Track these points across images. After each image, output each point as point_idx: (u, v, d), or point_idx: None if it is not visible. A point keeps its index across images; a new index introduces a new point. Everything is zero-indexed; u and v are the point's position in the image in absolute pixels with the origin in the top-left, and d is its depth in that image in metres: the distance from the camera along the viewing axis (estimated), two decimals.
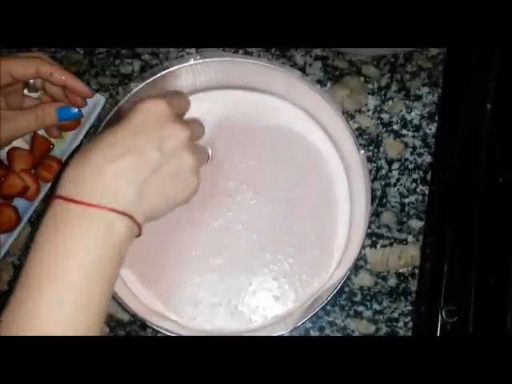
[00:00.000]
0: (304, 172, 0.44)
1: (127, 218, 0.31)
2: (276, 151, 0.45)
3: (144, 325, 0.41)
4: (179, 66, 0.42)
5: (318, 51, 0.51)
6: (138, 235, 0.33)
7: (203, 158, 0.40)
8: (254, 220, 0.43)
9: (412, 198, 0.48)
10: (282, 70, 0.42)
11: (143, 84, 0.41)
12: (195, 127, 0.39)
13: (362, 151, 0.40)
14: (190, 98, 0.45)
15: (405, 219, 0.47)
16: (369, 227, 0.46)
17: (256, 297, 0.42)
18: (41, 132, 0.45)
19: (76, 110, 0.40)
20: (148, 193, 0.33)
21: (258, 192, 0.44)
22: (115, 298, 0.38)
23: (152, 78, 0.41)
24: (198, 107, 0.45)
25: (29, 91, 0.42)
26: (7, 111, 0.38)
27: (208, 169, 0.44)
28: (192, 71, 0.43)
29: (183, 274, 0.42)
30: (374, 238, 0.47)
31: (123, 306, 0.39)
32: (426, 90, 0.50)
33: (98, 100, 0.46)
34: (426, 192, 0.48)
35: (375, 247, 0.47)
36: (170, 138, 0.34)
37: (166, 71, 0.41)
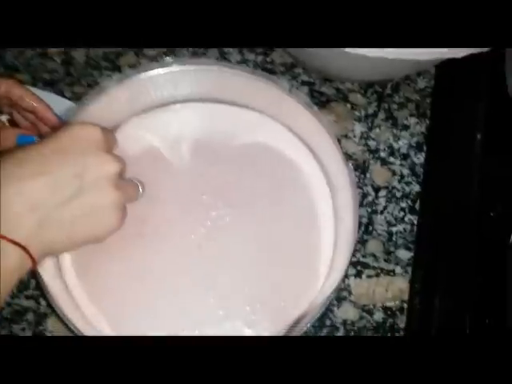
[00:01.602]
0: (285, 190, 0.41)
1: (19, 248, 0.27)
2: (256, 168, 0.42)
3: None
4: (157, 71, 0.40)
5: (304, 77, 0.50)
6: (33, 269, 0.29)
7: (131, 196, 0.35)
8: (228, 238, 0.39)
9: (400, 227, 0.45)
10: (270, 82, 0.40)
11: (114, 84, 0.39)
12: (129, 187, 0.35)
13: (351, 164, 0.37)
14: (169, 108, 0.43)
15: (392, 249, 0.44)
16: (354, 255, 0.42)
17: (226, 324, 0.37)
18: None
19: (36, 137, 0.37)
20: (53, 225, 0.29)
21: (234, 209, 0.40)
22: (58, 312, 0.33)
23: (126, 80, 0.39)
24: (177, 118, 0.43)
25: None
26: None
27: (183, 182, 0.41)
28: (171, 79, 0.41)
29: (140, 294, 0.37)
30: (359, 268, 0.43)
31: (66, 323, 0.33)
32: (413, 120, 0.49)
33: (69, 107, 0.43)
34: (415, 222, 0.45)
35: (360, 277, 0.43)
36: (95, 168, 0.30)
37: (142, 74, 0.39)
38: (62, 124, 0.36)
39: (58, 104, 0.42)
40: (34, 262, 0.28)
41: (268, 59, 0.50)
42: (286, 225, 0.40)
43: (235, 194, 0.41)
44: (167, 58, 0.43)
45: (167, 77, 0.41)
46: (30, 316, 0.40)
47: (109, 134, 0.34)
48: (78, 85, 0.48)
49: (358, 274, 0.43)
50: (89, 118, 0.38)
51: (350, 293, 0.42)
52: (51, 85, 0.48)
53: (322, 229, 0.40)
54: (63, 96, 0.46)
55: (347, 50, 0.35)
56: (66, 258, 0.38)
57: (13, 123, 0.41)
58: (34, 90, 0.41)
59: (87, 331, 0.34)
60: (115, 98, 0.40)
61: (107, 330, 0.36)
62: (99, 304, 0.37)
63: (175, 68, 0.40)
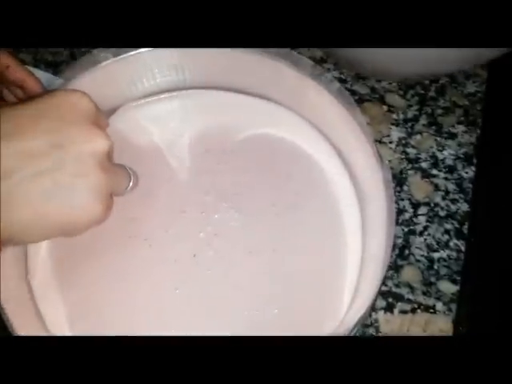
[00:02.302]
0: (304, 194, 0.34)
1: None
2: (271, 167, 0.35)
3: None
4: (162, 49, 0.34)
5: (335, 73, 0.43)
6: None
7: (120, 184, 0.29)
8: (231, 247, 0.32)
9: (443, 254, 0.36)
10: (292, 66, 0.34)
11: (111, 60, 0.33)
12: (119, 174, 0.29)
13: (389, 172, 0.30)
14: (174, 94, 0.37)
15: (433, 279, 0.36)
16: (384, 284, 0.34)
17: None
18: None
19: None
20: (22, 199, 0.23)
21: (241, 212, 0.33)
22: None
23: (125, 55, 0.33)
24: (182, 106, 0.37)
25: None
26: None
27: (184, 178, 0.34)
28: (178, 60, 0.35)
29: (118, 306, 0.30)
30: (390, 300, 0.35)
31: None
32: (461, 128, 0.41)
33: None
34: (462, 248, 0.37)
35: (391, 312, 0.35)
36: (80, 141, 0.25)
37: (142, 50, 0.34)
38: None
39: (49, 82, 0.36)
40: None
41: (294, 52, 0.44)
42: (302, 237, 0.33)
43: (244, 196, 0.34)
44: None
45: (173, 56, 0.35)
46: None
47: (100, 110, 0.28)
48: None
49: (389, 308, 0.35)
50: None
51: (377, 330, 0.34)
52: (54, 66, 0.44)
53: (346, 246, 0.33)
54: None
55: None
56: (42, 254, 0.31)
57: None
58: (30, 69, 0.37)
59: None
60: (112, 77, 0.35)
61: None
62: (70, 311, 0.30)
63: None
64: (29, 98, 0.27)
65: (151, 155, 0.35)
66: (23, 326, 0.27)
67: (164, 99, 0.37)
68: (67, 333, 0.29)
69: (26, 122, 0.24)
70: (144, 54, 0.34)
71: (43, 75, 0.37)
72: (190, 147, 0.36)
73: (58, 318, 0.30)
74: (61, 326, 0.30)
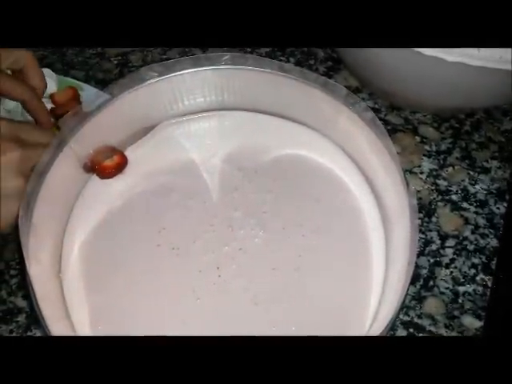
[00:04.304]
0: (331, 217, 0.35)
1: None
2: (300, 188, 0.36)
3: None
4: (204, 70, 0.36)
5: (369, 103, 0.44)
6: None
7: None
8: (253, 263, 0.33)
9: (469, 288, 0.36)
10: (328, 92, 0.35)
11: (155, 79, 0.35)
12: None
13: (414, 189, 0.30)
14: (211, 114, 0.39)
15: (457, 313, 0.35)
16: (406, 314, 0.34)
17: None
18: None
19: None
20: None
21: (267, 230, 0.34)
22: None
23: (169, 75, 0.36)
24: (218, 125, 0.39)
25: None
26: None
27: (212, 193, 0.36)
28: (219, 79, 0.37)
29: (142, 312, 0.31)
30: (411, 330, 0.34)
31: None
32: (495, 163, 0.41)
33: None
34: (489, 283, 0.36)
35: None
36: None
37: (185, 71, 0.36)
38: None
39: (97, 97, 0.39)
40: None
41: (330, 80, 0.45)
42: (326, 259, 0.33)
43: (271, 214, 0.35)
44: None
45: (214, 78, 0.37)
46: (21, 318, 0.35)
47: (25, 125, 0.32)
48: None
49: None
50: (119, 111, 0.35)
51: None
52: (103, 84, 0.47)
53: (370, 271, 0.33)
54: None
55: (423, 53, 0.29)
56: (74, 254, 0.33)
57: None
58: (72, 80, 0.40)
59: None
60: (155, 95, 0.37)
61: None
62: (94, 313, 0.31)
63: (224, 66, 0.36)
64: None
65: (186, 170, 0.37)
66: (53, 322, 0.29)
67: (202, 118, 0.39)
68: (88, 334, 0.31)
69: None
70: (187, 75, 0.36)
71: (92, 90, 0.40)
72: (223, 165, 0.37)
73: (83, 318, 0.31)
74: (83, 326, 0.31)
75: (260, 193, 0.36)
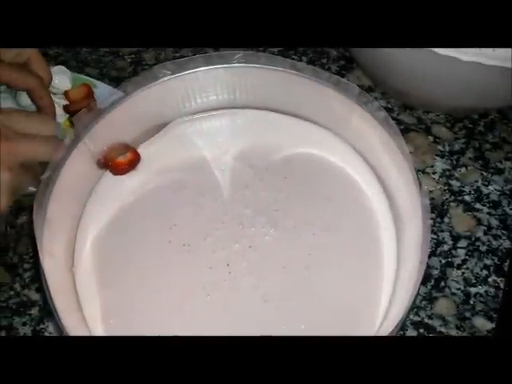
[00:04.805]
0: (342, 216, 0.35)
1: None
2: (311, 186, 0.36)
3: None
4: (217, 68, 0.36)
5: (382, 102, 0.44)
6: None
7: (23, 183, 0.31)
8: (263, 260, 0.33)
9: (481, 289, 0.36)
10: (341, 91, 0.35)
11: (168, 77, 0.36)
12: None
13: (426, 188, 0.30)
14: (223, 112, 0.39)
15: (468, 314, 0.35)
16: (417, 314, 0.34)
17: None
18: None
19: None
20: None
21: (277, 228, 0.34)
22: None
23: (182, 73, 0.36)
24: (230, 123, 0.39)
25: None
26: None
27: (224, 190, 0.36)
28: (229, 85, 0.37)
29: (154, 309, 0.32)
30: (421, 330, 0.34)
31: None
32: (509, 164, 0.41)
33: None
34: (501, 285, 0.36)
35: None
36: None
37: (198, 69, 0.36)
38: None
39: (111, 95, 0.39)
40: None
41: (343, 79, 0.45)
42: (337, 258, 0.33)
43: (282, 212, 0.35)
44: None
45: (226, 76, 0.37)
46: (34, 311, 0.36)
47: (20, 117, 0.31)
48: None
49: None
50: (132, 109, 0.36)
51: None
52: (117, 81, 0.47)
53: (381, 271, 0.33)
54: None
55: (438, 52, 0.29)
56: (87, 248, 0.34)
57: None
58: (86, 78, 0.40)
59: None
60: (168, 92, 0.37)
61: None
62: (105, 307, 0.32)
63: (237, 64, 0.36)
64: None
65: (197, 167, 0.37)
66: (66, 314, 0.29)
67: (214, 116, 0.40)
68: (99, 328, 0.31)
69: None
70: (199, 73, 0.36)
71: (105, 88, 0.40)
72: (235, 162, 0.37)
73: (94, 312, 0.32)
74: (95, 320, 0.31)
75: (271, 191, 0.36)
